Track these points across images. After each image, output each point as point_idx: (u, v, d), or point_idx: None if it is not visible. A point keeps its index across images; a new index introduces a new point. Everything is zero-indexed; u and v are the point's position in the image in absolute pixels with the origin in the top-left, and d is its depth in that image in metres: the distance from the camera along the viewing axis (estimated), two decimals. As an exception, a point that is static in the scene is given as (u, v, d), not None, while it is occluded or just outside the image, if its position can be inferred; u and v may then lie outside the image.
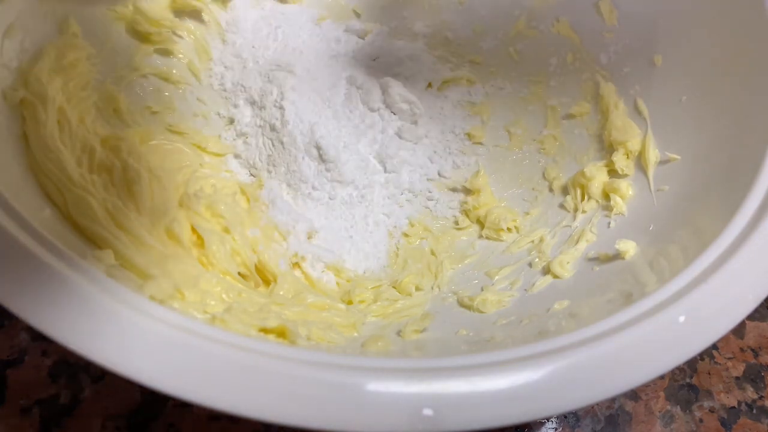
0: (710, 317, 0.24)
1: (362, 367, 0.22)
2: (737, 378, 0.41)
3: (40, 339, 0.37)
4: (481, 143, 0.44)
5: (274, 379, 0.21)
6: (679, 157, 0.35)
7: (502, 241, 0.39)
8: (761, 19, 0.33)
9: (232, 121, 0.42)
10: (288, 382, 0.21)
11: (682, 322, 0.23)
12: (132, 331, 0.22)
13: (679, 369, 0.40)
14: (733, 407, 0.39)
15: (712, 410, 0.39)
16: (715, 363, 0.41)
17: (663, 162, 0.36)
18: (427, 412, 0.21)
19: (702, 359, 0.41)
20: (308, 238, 0.37)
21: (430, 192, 0.43)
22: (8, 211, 0.25)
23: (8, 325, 0.37)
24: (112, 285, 0.23)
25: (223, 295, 0.28)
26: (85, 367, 0.36)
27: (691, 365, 0.41)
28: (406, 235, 0.41)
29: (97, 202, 0.29)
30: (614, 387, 0.22)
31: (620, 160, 0.37)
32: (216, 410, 0.21)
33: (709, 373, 0.40)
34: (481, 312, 0.32)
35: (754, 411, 0.39)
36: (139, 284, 0.25)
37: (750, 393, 0.40)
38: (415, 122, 0.43)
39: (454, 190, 0.43)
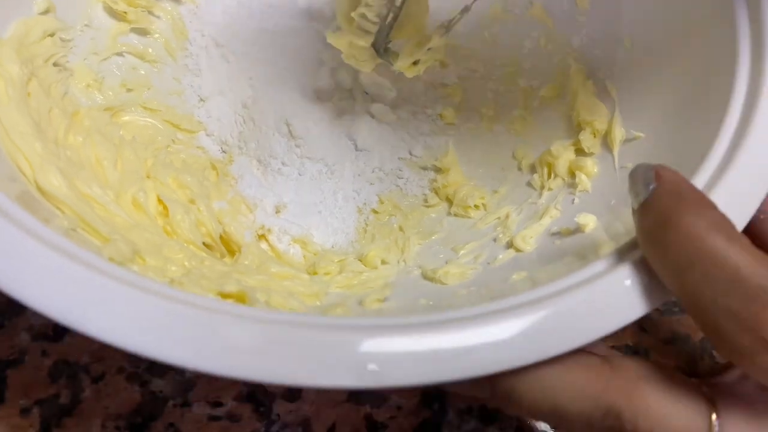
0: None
1: (315, 324, 0.22)
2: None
3: (40, 339, 0.37)
4: (452, 124, 0.45)
5: (228, 334, 0.21)
6: (643, 135, 0.35)
7: (470, 218, 0.39)
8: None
9: (204, 99, 0.42)
10: (240, 336, 0.21)
11: (628, 285, 0.24)
12: (90, 290, 0.22)
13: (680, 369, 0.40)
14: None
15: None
16: (716, 363, 0.41)
17: (628, 140, 0.36)
18: (372, 366, 0.21)
19: (702, 359, 0.41)
20: (276, 212, 0.38)
21: (400, 170, 0.43)
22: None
23: (8, 325, 0.37)
24: (72, 247, 0.23)
25: (185, 263, 0.29)
26: (85, 367, 0.36)
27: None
28: (375, 211, 0.41)
29: (61, 171, 0.29)
30: (568, 342, 0.23)
31: (587, 139, 0.38)
32: (170, 364, 0.21)
33: (710, 373, 0.40)
34: (443, 284, 0.32)
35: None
36: (99, 246, 0.26)
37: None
38: (387, 103, 0.44)
39: (424, 168, 0.43)
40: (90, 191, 0.29)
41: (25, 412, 0.35)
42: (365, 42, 0.37)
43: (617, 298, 0.24)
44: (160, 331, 0.21)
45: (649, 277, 0.24)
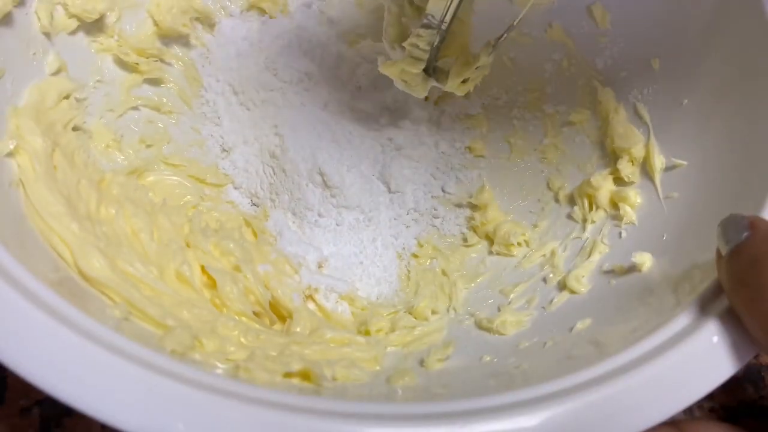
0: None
1: (390, 415, 0.22)
2: (737, 378, 0.40)
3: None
4: (482, 156, 0.44)
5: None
6: (686, 163, 0.34)
7: (513, 256, 0.38)
8: (759, 18, 0.32)
9: (228, 150, 0.41)
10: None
11: (715, 342, 0.23)
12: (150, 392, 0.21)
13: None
14: (733, 407, 0.39)
15: (712, 410, 0.39)
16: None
17: (669, 168, 0.35)
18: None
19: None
20: (319, 267, 0.37)
21: (435, 210, 0.42)
22: (8, 268, 0.23)
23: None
24: (124, 343, 0.22)
25: (242, 339, 0.27)
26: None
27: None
28: (415, 255, 0.40)
29: (101, 251, 0.28)
30: (647, 418, 0.22)
31: (625, 168, 0.37)
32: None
33: (710, 374, 0.40)
34: (502, 334, 0.32)
35: (754, 411, 0.39)
36: (158, 337, 0.25)
37: (750, 393, 0.40)
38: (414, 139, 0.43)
39: (459, 206, 0.43)
40: (133, 270, 0.28)
41: (25, 412, 0.35)
42: (417, 69, 0.37)
43: (704, 361, 0.23)
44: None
45: (736, 331, 0.23)
